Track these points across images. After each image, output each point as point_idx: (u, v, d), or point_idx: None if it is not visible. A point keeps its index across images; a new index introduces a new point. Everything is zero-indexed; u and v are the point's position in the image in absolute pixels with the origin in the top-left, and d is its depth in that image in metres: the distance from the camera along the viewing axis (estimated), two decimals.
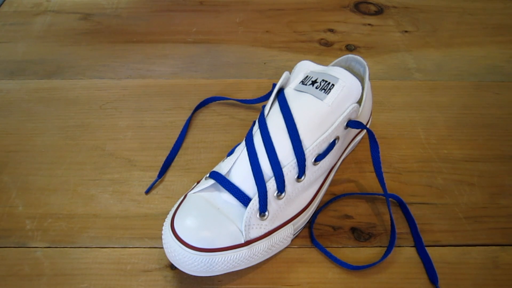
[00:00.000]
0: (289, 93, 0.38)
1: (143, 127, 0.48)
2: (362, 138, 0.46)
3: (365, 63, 0.44)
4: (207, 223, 0.33)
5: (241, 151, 0.36)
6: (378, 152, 0.37)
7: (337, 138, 0.37)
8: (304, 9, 0.67)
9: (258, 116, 0.45)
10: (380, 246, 0.38)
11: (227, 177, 0.35)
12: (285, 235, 0.36)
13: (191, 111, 0.50)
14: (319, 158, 0.36)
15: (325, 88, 0.37)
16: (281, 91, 0.39)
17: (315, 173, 0.36)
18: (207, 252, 0.32)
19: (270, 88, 0.53)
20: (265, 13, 0.66)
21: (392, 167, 0.44)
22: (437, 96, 0.52)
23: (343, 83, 0.37)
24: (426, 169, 0.44)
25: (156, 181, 0.43)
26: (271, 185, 0.34)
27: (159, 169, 0.44)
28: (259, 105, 0.51)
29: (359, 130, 0.44)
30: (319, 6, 0.68)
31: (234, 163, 0.36)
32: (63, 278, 0.36)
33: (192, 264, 0.32)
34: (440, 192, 0.42)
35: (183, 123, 0.49)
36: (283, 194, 0.35)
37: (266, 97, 0.47)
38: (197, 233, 0.32)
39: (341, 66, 0.46)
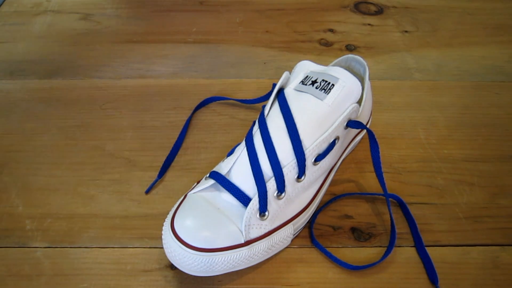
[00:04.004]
0: (289, 93, 0.38)
1: (143, 127, 0.48)
2: (362, 138, 0.46)
3: (365, 63, 0.44)
4: (207, 223, 0.33)
5: (241, 151, 0.36)
6: (378, 152, 0.37)
7: (337, 138, 0.37)
8: (304, 9, 0.67)
9: (258, 116, 0.45)
10: (380, 246, 0.38)
11: (227, 177, 0.35)
12: (285, 235, 0.36)
13: (191, 111, 0.50)
14: (319, 158, 0.36)
15: (325, 88, 0.37)
16: (281, 91, 0.39)
17: (315, 173, 0.36)
18: (207, 252, 0.32)
19: (270, 88, 0.53)
20: (265, 13, 0.66)
21: (392, 167, 0.44)
22: (437, 96, 0.52)
23: (343, 83, 0.37)
24: (426, 169, 0.44)
25: (156, 181, 0.43)
26: (271, 185, 0.34)
27: (159, 169, 0.44)
28: (259, 105, 0.51)
29: (359, 130, 0.44)
30: (319, 6, 0.68)
31: (234, 163, 0.36)
32: (63, 278, 0.36)
33: (192, 264, 0.32)
34: (440, 192, 0.42)
35: (183, 123, 0.49)
36: (283, 194, 0.35)
37: (266, 97, 0.47)
38: (197, 233, 0.32)
39: (341, 66, 0.46)
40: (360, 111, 0.40)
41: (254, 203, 0.34)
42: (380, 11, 0.67)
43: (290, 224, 0.36)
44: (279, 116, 0.37)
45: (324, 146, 0.36)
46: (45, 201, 0.41)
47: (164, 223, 0.35)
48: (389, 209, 0.38)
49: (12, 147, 0.46)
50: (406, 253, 0.38)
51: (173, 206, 0.37)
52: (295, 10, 0.67)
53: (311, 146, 0.35)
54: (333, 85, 0.37)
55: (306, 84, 0.38)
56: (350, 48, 0.60)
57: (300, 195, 0.36)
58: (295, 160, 0.35)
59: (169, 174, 0.44)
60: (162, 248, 0.38)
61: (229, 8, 0.67)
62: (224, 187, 0.35)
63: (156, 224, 0.39)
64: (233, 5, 0.68)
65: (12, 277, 0.36)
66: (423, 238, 0.38)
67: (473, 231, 0.39)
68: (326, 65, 0.50)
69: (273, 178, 0.34)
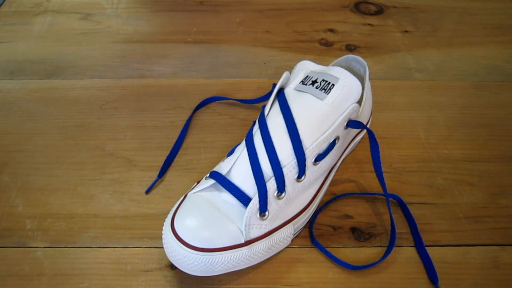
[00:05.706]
0: (289, 93, 0.38)
1: (143, 127, 0.48)
2: (362, 138, 0.46)
3: (365, 63, 0.44)
4: (207, 223, 0.33)
5: (241, 151, 0.36)
6: (378, 152, 0.37)
7: (337, 138, 0.37)
8: (304, 9, 0.67)
9: (258, 116, 0.45)
10: (380, 246, 0.38)
11: (227, 177, 0.35)
12: (285, 235, 0.36)
13: (191, 111, 0.50)
14: (319, 158, 0.36)
15: (325, 88, 0.37)
16: (281, 91, 0.39)
17: (315, 173, 0.36)
18: (207, 252, 0.32)
19: (270, 88, 0.53)
20: (265, 13, 0.66)
21: (392, 167, 0.44)
22: (437, 96, 0.52)
23: (343, 83, 0.37)
24: (426, 169, 0.44)
25: (156, 181, 0.43)
26: (271, 185, 0.34)
27: (159, 169, 0.44)
28: (259, 105, 0.51)
29: (359, 130, 0.44)
30: (319, 6, 0.68)
31: (234, 163, 0.36)
32: (63, 278, 0.36)
33: (192, 264, 0.32)
34: (440, 192, 0.42)
35: (183, 123, 0.49)
36: (283, 194, 0.35)
37: (266, 97, 0.47)
38: (197, 233, 0.32)
39: (341, 66, 0.46)
40: (360, 111, 0.40)
41: (254, 203, 0.34)
42: (380, 11, 0.67)
43: (290, 224, 0.36)
44: (279, 116, 0.37)
45: (324, 146, 0.36)
46: (45, 201, 0.41)
47: (164, 223, 0.35)
48: (389, 209, 0.38)
49: (12, 147, 0.46)
50: (406, 253, 0.38)
51: (173, 206, 0.37)
52: (295, 10, 0.67)
53: (311, 146, 0.35)
54: (333, 85, 0.37)
55: (306, 84, 0.38)
56: (350, 48, 0.60)
57: (300, 195, 0.36)
58: (295, 160, 0.35)
59: (169, 174, 0.44)
60: (162, 248, 0.38)
61: (229, 8, 0.67)
62: (224, 187, 0.35)
63: (156, 224, 0.39)
64: (233, 5, 0.68)
65: (12, 277, 0.36)
66: (423, 238, 0.38)
67: (473, 231, 0.39)
68: (326, 65, 0.50)
69: (273, 178, 0.34)
